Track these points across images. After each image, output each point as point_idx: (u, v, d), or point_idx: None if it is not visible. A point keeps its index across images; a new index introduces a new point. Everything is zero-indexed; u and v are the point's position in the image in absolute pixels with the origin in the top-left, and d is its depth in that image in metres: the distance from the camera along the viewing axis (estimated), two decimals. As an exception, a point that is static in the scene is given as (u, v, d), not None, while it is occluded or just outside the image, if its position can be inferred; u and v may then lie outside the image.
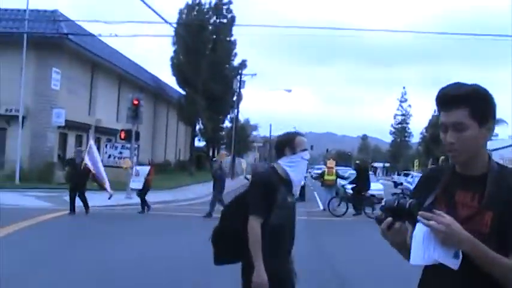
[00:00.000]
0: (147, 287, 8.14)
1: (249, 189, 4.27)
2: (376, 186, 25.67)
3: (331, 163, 23.75)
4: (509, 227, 2.19)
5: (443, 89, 2.34)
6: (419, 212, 2.21)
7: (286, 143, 4.30)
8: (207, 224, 16.48)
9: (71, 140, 34.96)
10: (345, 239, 14.57)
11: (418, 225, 2.22)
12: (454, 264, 2.17)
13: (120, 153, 32.39)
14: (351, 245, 13.40)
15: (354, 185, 21.53)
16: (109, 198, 18.87)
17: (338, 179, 23.18)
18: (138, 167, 21.04)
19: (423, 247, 2.20)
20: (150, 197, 20.30)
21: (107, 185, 18.74)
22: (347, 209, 20.28)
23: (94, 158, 18.45)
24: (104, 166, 21.72)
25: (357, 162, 26.74)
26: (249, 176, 24.28)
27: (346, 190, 22.77)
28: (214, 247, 4.29)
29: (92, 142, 19.94)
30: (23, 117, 29.25)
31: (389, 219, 2.28)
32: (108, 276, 8.69)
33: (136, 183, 20.22)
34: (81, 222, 15.93)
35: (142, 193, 19.64)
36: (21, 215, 14.93)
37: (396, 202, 2.29)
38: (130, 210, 19.84)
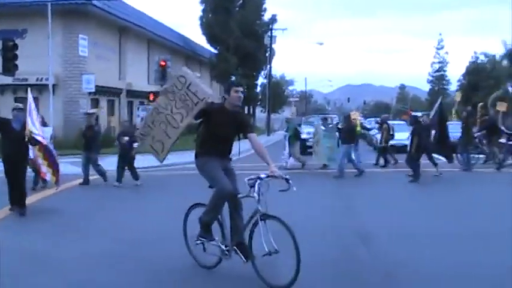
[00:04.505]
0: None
1: None
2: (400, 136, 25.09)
3: (354, 115, 23.69)
4: None
5: None
6: None
7: None
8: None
9: (103, 105, 35.29)
10: (368, 191, 14.41)
11: None
12: None
13: (153, 115, 32.52)
14: (374, 200, 13.25)
15: None
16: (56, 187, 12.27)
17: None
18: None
19: None
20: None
21: (47, 174, 12.02)
22: None
23: (37, 122, 11.40)
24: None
25: None
26: None
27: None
28: None
29: (30, 96, 11.80)
30: (54, 85, 29.50)
31: None
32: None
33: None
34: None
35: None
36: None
37: None
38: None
